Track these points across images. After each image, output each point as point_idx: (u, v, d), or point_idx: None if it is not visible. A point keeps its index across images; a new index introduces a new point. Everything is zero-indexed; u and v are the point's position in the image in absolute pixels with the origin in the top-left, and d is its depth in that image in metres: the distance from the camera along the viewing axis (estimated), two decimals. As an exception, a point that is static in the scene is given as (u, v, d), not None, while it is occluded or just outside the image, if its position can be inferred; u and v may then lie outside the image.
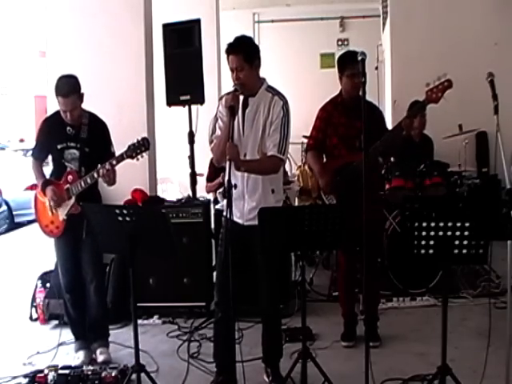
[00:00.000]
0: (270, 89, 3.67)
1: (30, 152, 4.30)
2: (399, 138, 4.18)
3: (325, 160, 4.41)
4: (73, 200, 4.00)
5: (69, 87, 3.97)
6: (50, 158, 4.24)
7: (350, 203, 3.38)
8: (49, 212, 4.11)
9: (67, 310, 4.33)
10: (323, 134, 4.36)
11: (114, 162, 3.84)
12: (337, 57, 4.46)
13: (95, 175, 3.90)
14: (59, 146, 4.08)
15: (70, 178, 4.03)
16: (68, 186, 4.02)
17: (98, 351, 4.28)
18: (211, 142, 3.71)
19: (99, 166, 3.92)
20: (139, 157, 3.83)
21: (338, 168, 4.23)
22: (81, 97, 4.05)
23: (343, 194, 4.16)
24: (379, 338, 4.38)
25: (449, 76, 3.73)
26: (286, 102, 3.62)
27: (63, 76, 4.04)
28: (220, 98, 3.72)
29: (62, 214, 4.05)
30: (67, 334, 4.42)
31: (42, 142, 4.20)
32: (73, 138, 4.08)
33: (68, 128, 4.07)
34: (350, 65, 4.11)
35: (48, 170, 4.27)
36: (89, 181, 3.94)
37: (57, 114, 4.10)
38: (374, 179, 4.22)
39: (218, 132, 3.65)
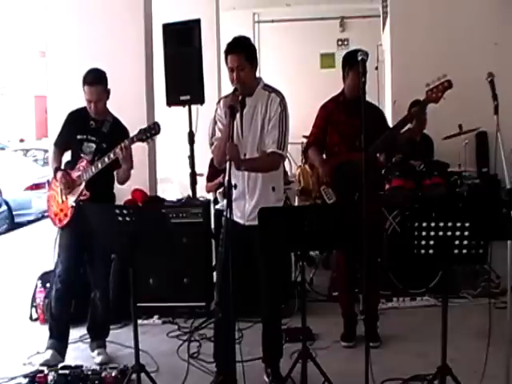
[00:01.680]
0: (267, 87, 3.67)
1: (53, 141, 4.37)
2: (399, 137, 4.19)
3: (324, 158, 4.41)
4: (82, 186, 4.07)
5: (95, 77, 4.07)
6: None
7: (349, 202, 3.37)
8: (59, 199, 4.19)
9: (51, 304, 4.34)
10: (323, 132, 4.37)
11: (126, 143, 3.86)
12: (341, 56, 4.43)
13: (106, 160, 3.95)
14: (79, 137, 4.15)
15: (82, 165, 4.10)
16: (79, 172, 4.09)
17: (95, 352, 4.29)
18: (211, 144, 3.70)
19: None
20: (149, 140, 3.89)
21: (338, 165, 4.23)
22: (107, 91, 4.13)
23: (343, 192, 4.16)
24: (379, 338, 4.38)
25: (449, 76, 3.74)
26: (283, 99, 3.62)
27: (92, 68, 4.14)
28: (218, 102, 3.72)
29: (71, 200, 4.12)
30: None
31: (64, 131, 4.27)
32: (94, 131, 4.15)
33: (91, 122, 4.16)
34: (357, 65, 4.10)
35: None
36: (100, 166, 3.99)
37: (83, 108, 4.18)
38: (374, 178, 4.22)
39: (218, 134, 3.65)
